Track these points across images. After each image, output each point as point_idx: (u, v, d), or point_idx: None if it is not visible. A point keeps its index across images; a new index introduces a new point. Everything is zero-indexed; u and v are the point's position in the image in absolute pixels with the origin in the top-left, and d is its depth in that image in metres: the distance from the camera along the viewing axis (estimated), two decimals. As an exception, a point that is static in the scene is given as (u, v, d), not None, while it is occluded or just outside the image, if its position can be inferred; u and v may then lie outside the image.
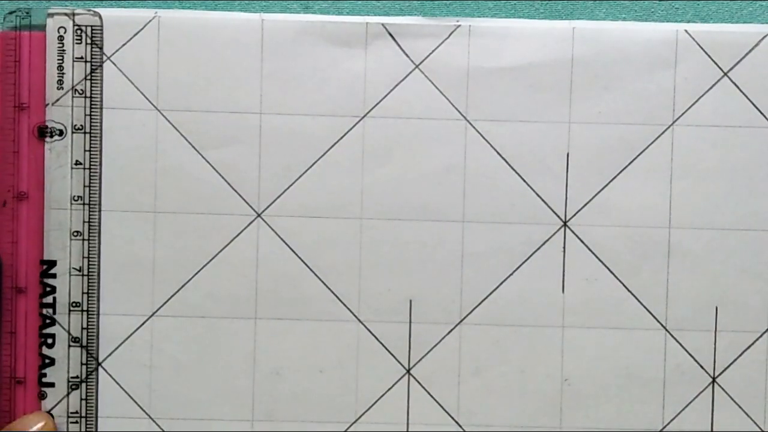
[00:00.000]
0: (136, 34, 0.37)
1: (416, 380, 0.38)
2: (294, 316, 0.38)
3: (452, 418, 0.38)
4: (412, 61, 0.37)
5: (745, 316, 0.37)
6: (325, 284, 0.38)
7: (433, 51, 0.37)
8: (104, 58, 0.37)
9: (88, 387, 0.37)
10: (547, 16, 0.38)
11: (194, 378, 0.38)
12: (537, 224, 0.37)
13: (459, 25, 0.37)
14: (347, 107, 0.37)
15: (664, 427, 0.37)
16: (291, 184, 0.37)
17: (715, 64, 0.37)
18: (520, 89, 0.37)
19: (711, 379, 0.37)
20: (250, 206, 0.38)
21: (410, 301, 0.37)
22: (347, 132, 0.37)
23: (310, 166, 0.37)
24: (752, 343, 0.37)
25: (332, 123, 0.37)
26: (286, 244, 0.38)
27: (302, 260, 0.38)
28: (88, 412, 0.37)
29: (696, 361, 0.37)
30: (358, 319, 0.38)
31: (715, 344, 0.37)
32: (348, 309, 0.38)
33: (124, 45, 0.37)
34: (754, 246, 0.37)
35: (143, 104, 0.37)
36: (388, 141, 0.37)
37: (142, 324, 0.38)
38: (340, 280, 0.37)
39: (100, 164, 0.37)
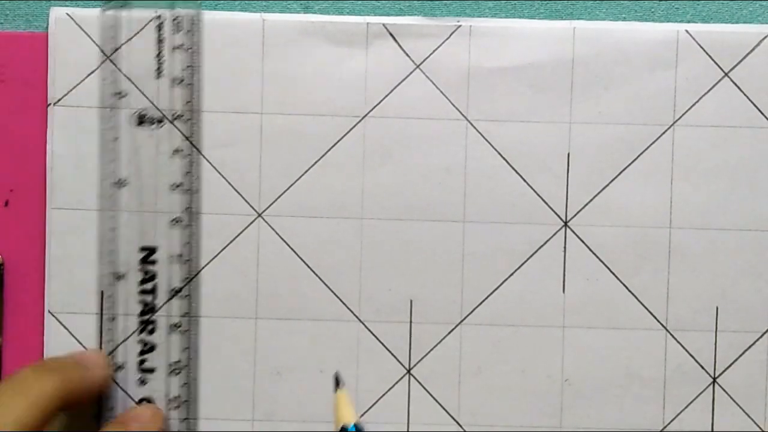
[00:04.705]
0: (136, 34, 0.37)
1: (417, 380, 0.38)
2: (294, 316, 0.37)
3: (453, 418, 0.37)
4: (412, 61, 0.37)
5: (746, 316, 0.37)
6: (325, 284, 0.37)
7: (433, 51, 0.37)
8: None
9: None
10: (547, 16, 0.38)
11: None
12: (538, 224, 0.37)
13: (459, 26, 0.37)
14: (348, 107, 0.37)
15: (665, 427, 0.37)
16: (292, 184, 0.37)
17: (716, 64, 0.37)
18: (521, 89, 0.37)
19: (711, 380, 0.37)
20: (251, 206, 0.38)
21: (411, 301, 0.37)
22: (348, 132, 0.37)
23: (311, 166, 0.37)
24: (752, 344, 0.37)
25: (333, 123, 0.37)
26: (287, 244, 0.37)
27: (302, 260, 0.37)
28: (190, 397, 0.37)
29: (696, 361, 0.37)
30: (359, 319, 0.38)
31: (715, 344, 0.37)
32: (348, 309, 0.37)
33: (124, 45, 0.37)
34: (754, 246, 0.37)
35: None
36: (389, 141, 0.37)
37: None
38: (340, 280, 0.37)
39: (200, 151, 0.37)
